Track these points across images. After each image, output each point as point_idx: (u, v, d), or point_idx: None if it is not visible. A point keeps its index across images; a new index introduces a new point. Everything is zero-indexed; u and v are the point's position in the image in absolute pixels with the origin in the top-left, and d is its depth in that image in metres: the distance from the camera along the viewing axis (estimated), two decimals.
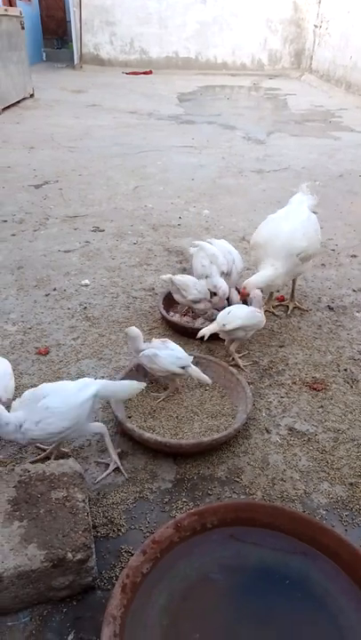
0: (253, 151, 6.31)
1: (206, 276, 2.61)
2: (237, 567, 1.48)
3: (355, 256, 3.60)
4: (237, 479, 1.81)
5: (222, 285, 2.54)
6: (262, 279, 2.46)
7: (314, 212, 2.81)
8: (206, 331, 2.29)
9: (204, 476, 1.82)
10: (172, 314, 2.71)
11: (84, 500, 1.49)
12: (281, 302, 2.95)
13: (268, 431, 2.03)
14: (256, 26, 13.04)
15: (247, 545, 1.53)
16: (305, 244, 2.53)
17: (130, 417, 2.00)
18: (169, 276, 2.65)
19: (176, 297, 2.65)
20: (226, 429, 1.92)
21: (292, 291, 2.90)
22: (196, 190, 4.88)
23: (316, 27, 12.22)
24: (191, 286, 2.56)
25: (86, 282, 3.11)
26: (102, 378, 2.28)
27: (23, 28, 8.64)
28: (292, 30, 13.21)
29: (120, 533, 1.60)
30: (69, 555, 1.35)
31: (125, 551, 1.55)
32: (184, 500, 1.72)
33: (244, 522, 1.54)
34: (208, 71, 13.30)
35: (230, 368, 2.21)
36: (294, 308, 2.88)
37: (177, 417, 2.02)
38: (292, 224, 2.56)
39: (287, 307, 2.89)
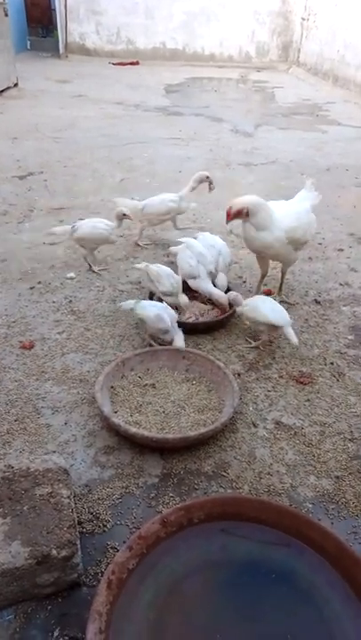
0: (241, 144, 6.28)
1: (194, 277, 2.63)
2: (224, 561, 1.48)
3: (342, 250, 3.60)
4: (224, 473, 1.81)
5: (220, 296, 2.61)
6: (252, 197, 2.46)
7: None
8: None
9: (191, 471, 1.81)
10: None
11: (68, 497, 1.47)
12: (268, 296, 2.94)
13: (254, 425, 2.03)
14: (244, 17, 12.93)
15: (234, 539, 1.53)
16: (295, 225, 2.53)
17: (116, 412, 1.98)
18: (145, 264, 2.65)
19: (148, 285, 2.68)
20: (213, 423, 1.91)
21: (281, 284, 2.90)
22: (183, 183, 4.82)
23: (303, 19, 12.17)
24: (164, 278, 2.54)
25: (72, 275, 3.07)
26: (87, 372, 2.27)
27: (7, 15, 8.46)
28: (279, 22, 13.13)
29: (106, 529, 1.58)
30: (54, 551, 1.33)
31: (111, 547, 1.53)
32: (171, 494, 1.71)
33: (230, 516, 1.54)
34: (195, 62, 13.18)
35: (217, 362, 2.20)
36: (281, 301, 2.88)
37: (164, 412, 2.00)
38: (287, 208, 2.59)
39: None
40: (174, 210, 3.35)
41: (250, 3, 12.81)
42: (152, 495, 1.71)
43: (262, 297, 2.51)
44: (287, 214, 2.55)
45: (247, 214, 2.43)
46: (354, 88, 9.56)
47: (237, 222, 2.60)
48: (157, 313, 2.28)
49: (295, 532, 1.49)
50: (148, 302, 2.40)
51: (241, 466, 1.84)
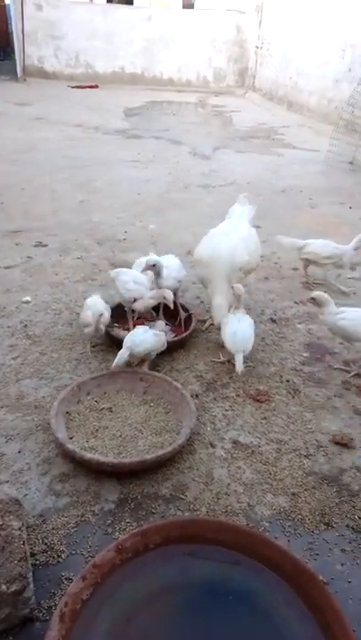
0: (200, 166, 6.41)
1: (135, 299, 2.56)
2: (182, 585, 1.47)
3: (296, 269, 3.70)
4: (182, 496, 1.80)
5: (167, 293, 2.50)
6: (223, 313, 2.51)
7: (257, 226, 2.88)
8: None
9: (149, 495, 1.79)
10: (116, 326, 2.68)
11: (20, 528, 1.43)
12: None
13: (212, 445, 2.04)
14: (201, 45, 13.34)
15: (192, 562, 1.52)
16: (247, 259, 2.59)
17: (72, 438, 1.95)
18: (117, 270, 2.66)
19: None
20: (170, 445, 1.91)
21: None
22: (142, 204, 4.89)
23: (257, 47, 12.66)
24: (120, 287, 2.57)
25: (28, 298, 3.03)
26: (43, 398, 2.23)
27: None
28: (235, 50, 13.60)
29: (60, 560, 1.54)
30: (3, 586, 1.29)
31: (66, 578, 1.50)
32: (127, 520, 1.69)
33: (188, 539, 1.53)
34: (154, 87, 13.44)
35: (175, 383, 2.21)
36: None
37: (121, 435, 1.99)
38: (233, 240, 2.62)
39: None
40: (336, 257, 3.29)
41: (207, 32, 13.25)
42: (108, 522, 1.68)
43: (242, 317, 2.45)
44: (235, 246, 2.58)
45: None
46: (307, 113, 9.96)
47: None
48: (145, 335, 2.31)
49: (252, 552, 1.49)
50: (136, 338, 2.29)
51: (199, 487, 1.84)
